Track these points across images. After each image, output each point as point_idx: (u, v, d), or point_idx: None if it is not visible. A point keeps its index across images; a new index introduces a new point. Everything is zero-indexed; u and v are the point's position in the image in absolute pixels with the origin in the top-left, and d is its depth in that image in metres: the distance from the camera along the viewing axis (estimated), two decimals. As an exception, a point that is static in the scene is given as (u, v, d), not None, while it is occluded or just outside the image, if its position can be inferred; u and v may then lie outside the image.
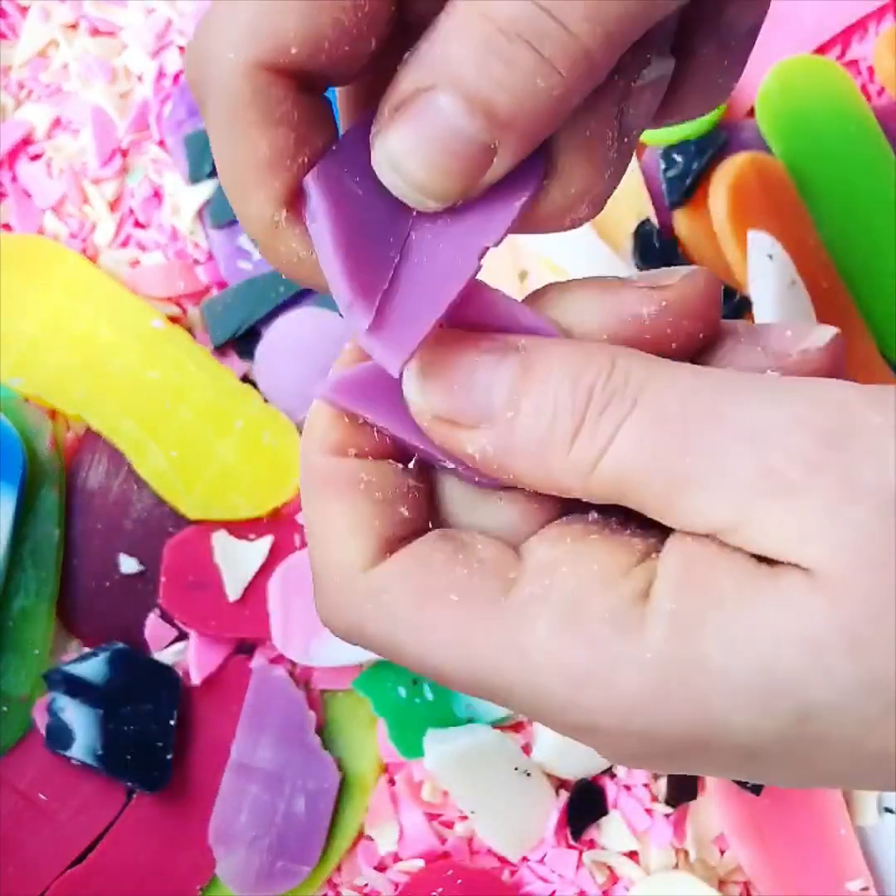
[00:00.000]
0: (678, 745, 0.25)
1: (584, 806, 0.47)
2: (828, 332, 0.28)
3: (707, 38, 0.30)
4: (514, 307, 0.28)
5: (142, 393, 0.49)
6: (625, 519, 0.27)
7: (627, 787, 0.48)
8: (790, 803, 0.47)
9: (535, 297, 0.29)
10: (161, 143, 0.53)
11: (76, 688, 0.46)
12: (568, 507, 0.28)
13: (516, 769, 0.47)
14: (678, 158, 0.51)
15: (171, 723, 0.47)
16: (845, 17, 0.53)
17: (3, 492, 0.47)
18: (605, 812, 0.48)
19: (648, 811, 0.48)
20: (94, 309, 0.50)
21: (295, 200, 0.27)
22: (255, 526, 0.49)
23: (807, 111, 0.52)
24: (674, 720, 0.24)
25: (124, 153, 0.53)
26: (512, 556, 0.27)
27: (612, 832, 0.48)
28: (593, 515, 0.27)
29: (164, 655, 0.48)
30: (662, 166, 0.51)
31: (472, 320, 0.28)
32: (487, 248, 0.27)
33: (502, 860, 0.48)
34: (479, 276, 0.28)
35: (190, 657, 0.48)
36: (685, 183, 0.51)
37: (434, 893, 0.46)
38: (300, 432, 0.49)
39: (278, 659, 0.48)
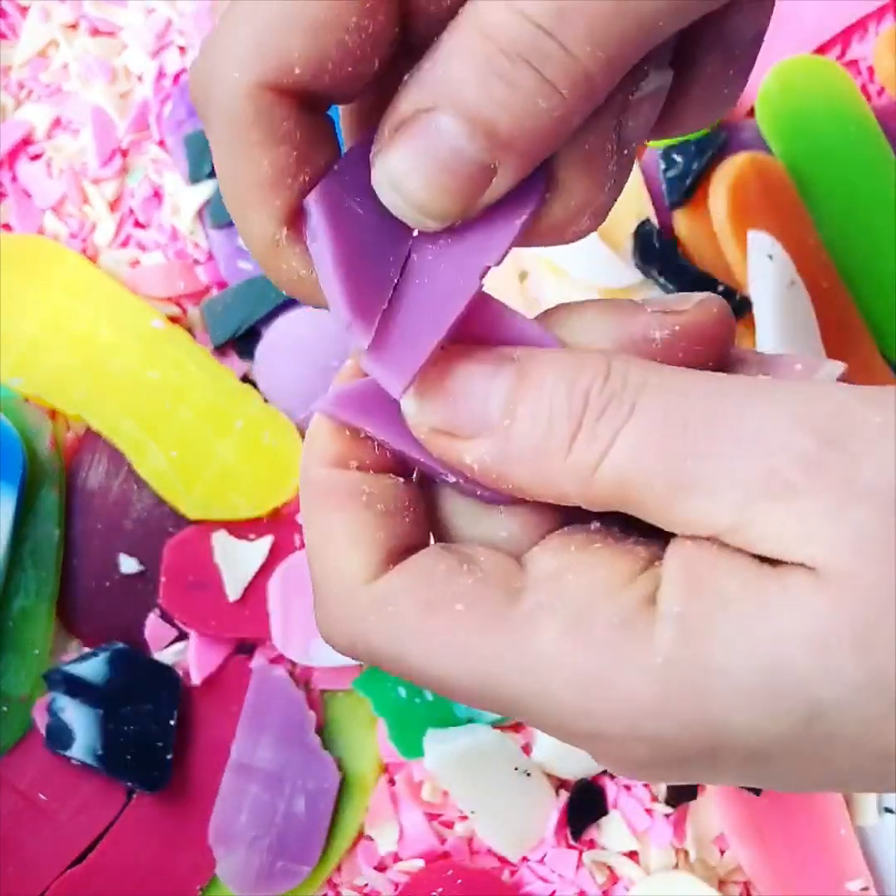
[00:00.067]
0: (687, 751, 0.25)
1: (584, 806, 0.47)
2: (837, 367, 0.28)
3: (711, 49, 0.30)
4: (516, 320, 0.28)
5: (142, 393, 0.49)
6: (626, 528, 0.27)
7: (627, 787, 0.48)
8: (790, 803, 0.47)
9: (546, 317, 0.29)
10: (161, 143, 0.53)
11: (76, 688, 0.46)
12: (569, 518, 0.28)
13: (516, 769, 0.47)
14: (678, 158, 0.51)
15: (171, 723, 0.47)
16: (845, 17, 0.53)
17: (3, 492, 0.47)
18: (605, 812, 0.48)
19: (648, 811, 0.48)
20: (94, 309, 0.50)
21: (296, 219, 0.27)
22: (255, 526, 0.49)
23: (807, 111, 0.52)
24: (683, 724, 0.24)
25: (124, 153, 0.53)
26: (515, 566, 0.27)
27: (612, 832, 0.48)
28: (595, 525, 0.28)
29: (164, 655, 0.48)
30: (662, 166, 0.51)
31: (475, 333, 0.28)
32: (488, 268, 0.27)
33: (502, 860, 0.48)
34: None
35: (190, 657, 0.48)
36: (685, 183, 0.51)
37: (434, 893, 0.46)
38: (300, 432, 0.49)
39: (278, 659, 0.48)
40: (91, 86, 0.53)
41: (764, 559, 0.25)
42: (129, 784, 0.47)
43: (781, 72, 0.52)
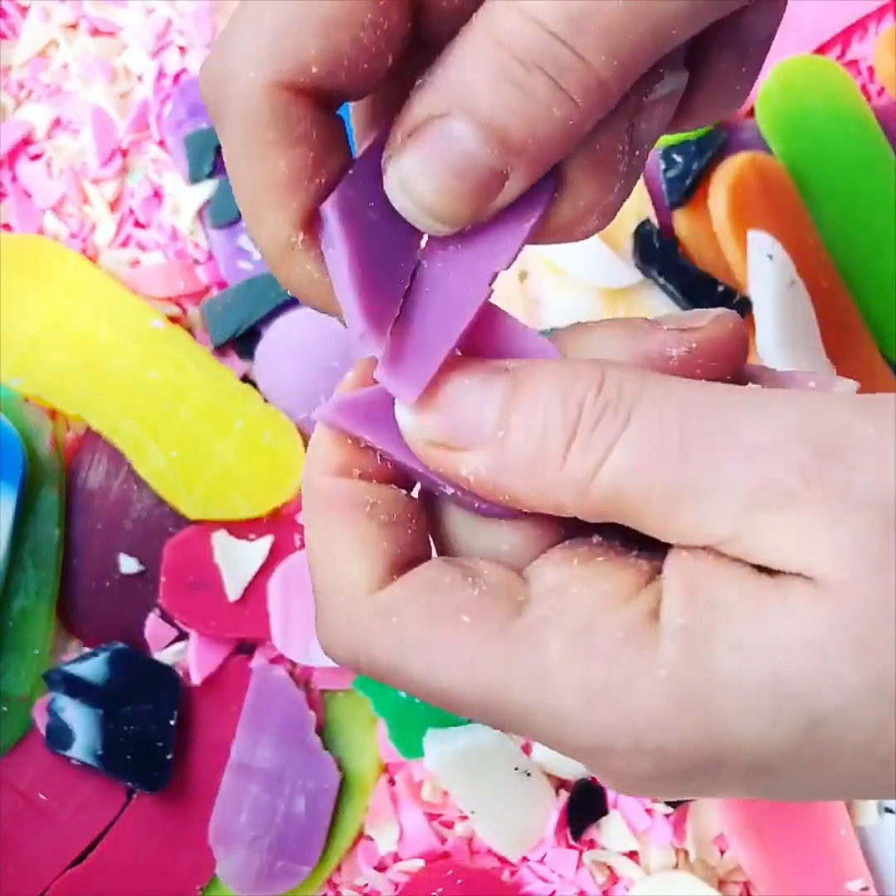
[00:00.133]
0: (690, 764, 0.25)
1: (584, 806, 0.47)
2: (850, 385, 0.28)
3: (725, 49, 0.30)
4: (518, 329, 0.28)
5: (142, 393, 0.49)
6: (628, 541, 0.27)
7: (627, 787, 0.48)
8: (790, 803, 0.47)
9: (561, 336, 0.29)
10: (161, 143, 0.53)
11: (76, 688, 0.46)
12: (570, 531, 0.28)
13: (516, 769, 0.47)
14: (678, 158, 0.51)
15: (171, 723, 0.47)
16: (845, 17, 0.53)
17: (3, 492, 0.47)
18: (605, 812, 0.48)
19: (648, 811, 0.48)
20: (94, 309, 0.50)
21: (311, 222, 0.27)
22: (255, 526, 0.49)
23: (807, 111, 0.52)
24: (688, 737, 0.24)
25: (124, 153, 0.53)
26: (518, 579, 0.27)
27: (612, 832, 0.48)
28: (597, 538, 0.28)
29: (164, 655, 0.48)
30: (662, 166, 0.51)
31: (478, 343, 0.28)
32: (497, 273, 0.28)
33: (502, 860, 0.48)
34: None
35: (190, 657, 0.48)
36: (685, 183, 0.51)
37: (434, 893, 0.46)
38: (300, 432, 0.49)
39: (278, 659, 0.48)
40: (91, 86, 0.53)
41: (762, 568, 0.25)
42: (129, 784, 0.46)
43: (781, 72, 0.52)
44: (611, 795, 0.48)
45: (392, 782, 0.48)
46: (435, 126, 0.26)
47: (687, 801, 0.48)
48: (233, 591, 0.48)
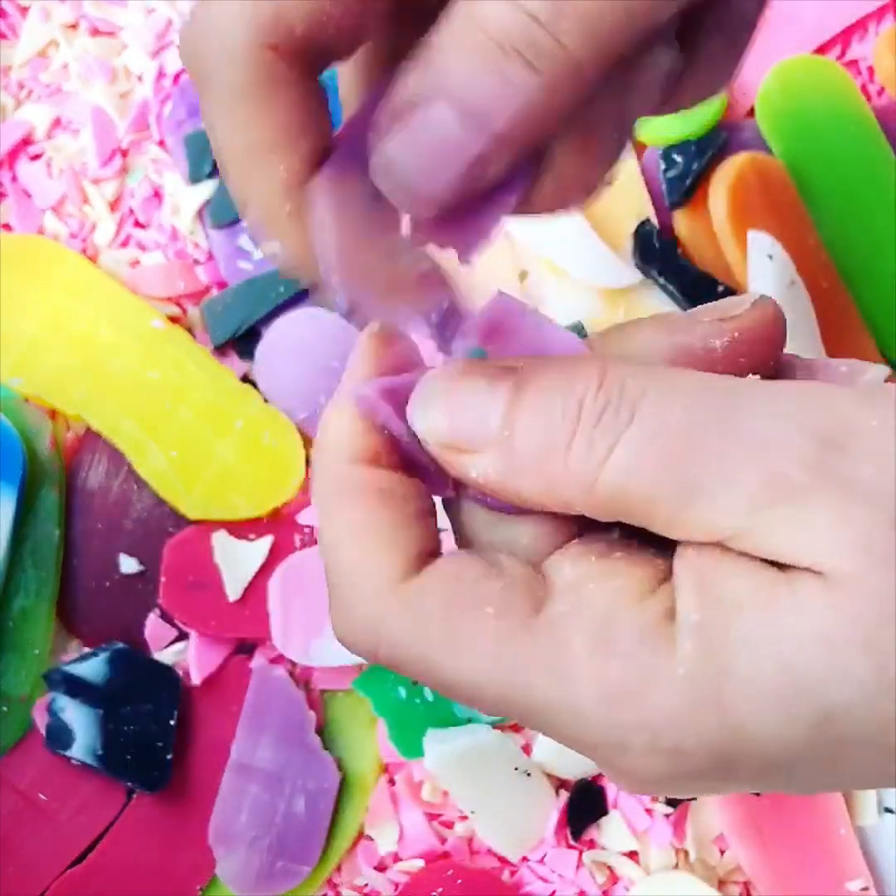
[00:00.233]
0: (705, 761, 0.25)
1: (584, 806, 0.47)
2: (882, 371, 0.28)
3: (712, 30, 0.30)
4: (545, 325, 0.29)
5: (142, 393, 0.49)
6: (646, 536, 0.27)
7: (627, 787, 0.48)
8: (790, 803, 0.47)
9: (598, 338, 0.29)
10: (161, 143, 0.53)
11: (76, 688, 0.46)
12: (588, 526, 0.28)
13: (516, 769, 0.47)
14: (678, 158, 0.51)
15: (171, 723, 0.47)
16: (845, 17, 0.53)
17: (3, 492, 0.47)
18: (605, 812, 0.48)
19: (648, 811, 0.48)
20: (94, 309, 0.50)
21: (299, 185, 0.27)
22: (255, 526, 0.49)
23: (807, 111, 0.52)
24: (703, 734, 0.25)
25: (124, 153, 0.53)
26: (536, 574, 0.27)
27: (612, 832, 0.48)
28: (616, 533, 0.28)
29: (164, 655, 0.48)
30: (662, 166, 0.51)
31: (505, 340, 0.28)
32: (479, 247, 0.28)
33: (502, 860, 0.48)
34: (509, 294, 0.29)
35: (190, 657, 0.48)
36: (685, 183, 0.51)
37: (434, 893, 0.46)
38: (300, 432, 0.49)
39: (278, 659, 0.48)
40: (91, 86, 0.53)
41: (771, 563, 0.25)
42: (129, 784, 0.47)
43: (781, 72, 0.52)
44: (611, 795, 0.48)
45: (392, 782, 0.48)
46: (418, 110, 0.26)
47: (687, 800, 0.48)
48: (233, 591, 0.48)
